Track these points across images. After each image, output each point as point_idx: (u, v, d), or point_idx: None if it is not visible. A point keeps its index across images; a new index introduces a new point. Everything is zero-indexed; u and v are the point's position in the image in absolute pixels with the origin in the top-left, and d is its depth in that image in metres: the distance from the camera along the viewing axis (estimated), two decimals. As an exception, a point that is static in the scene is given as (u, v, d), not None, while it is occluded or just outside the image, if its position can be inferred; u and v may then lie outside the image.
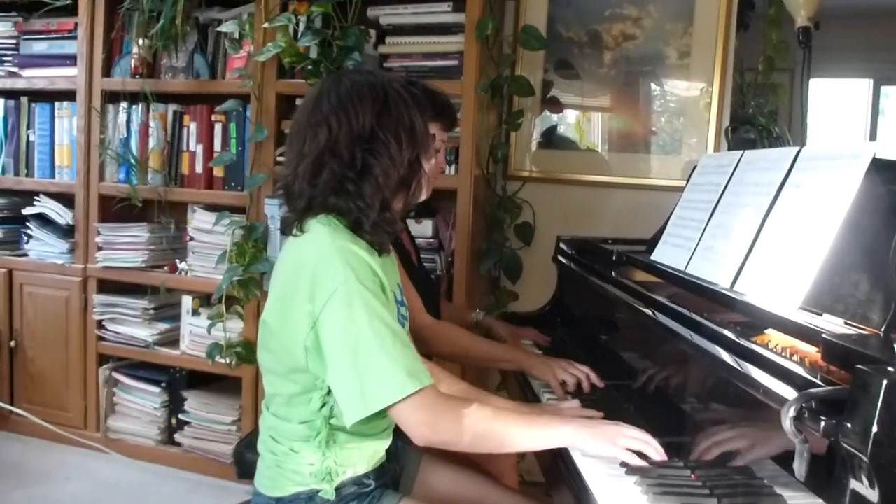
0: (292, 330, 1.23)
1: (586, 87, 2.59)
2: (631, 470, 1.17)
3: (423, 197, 1.47)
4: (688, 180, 1.69)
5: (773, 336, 1.07)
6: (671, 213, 1.68)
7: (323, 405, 1.25)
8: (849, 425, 0.73)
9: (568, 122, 2.65)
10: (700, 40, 2.41)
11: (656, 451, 1.18)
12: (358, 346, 1.16)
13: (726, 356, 1.05)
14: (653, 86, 2.52)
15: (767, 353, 0.97)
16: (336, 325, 1.18)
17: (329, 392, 1.23)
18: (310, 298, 1.20)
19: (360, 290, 1.18)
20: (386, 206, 1.29)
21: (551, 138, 2.65)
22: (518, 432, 1.22)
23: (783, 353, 0.97)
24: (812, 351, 0.95)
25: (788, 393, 0.85)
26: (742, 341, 1.03)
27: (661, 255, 1.60)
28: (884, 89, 4.65)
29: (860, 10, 3.71)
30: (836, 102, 4.76)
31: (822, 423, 0.75)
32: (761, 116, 3.07)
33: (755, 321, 1.11)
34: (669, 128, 2.51)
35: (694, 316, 1.21)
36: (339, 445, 1.28)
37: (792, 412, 0.77)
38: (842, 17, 3.25)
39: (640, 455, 1.17)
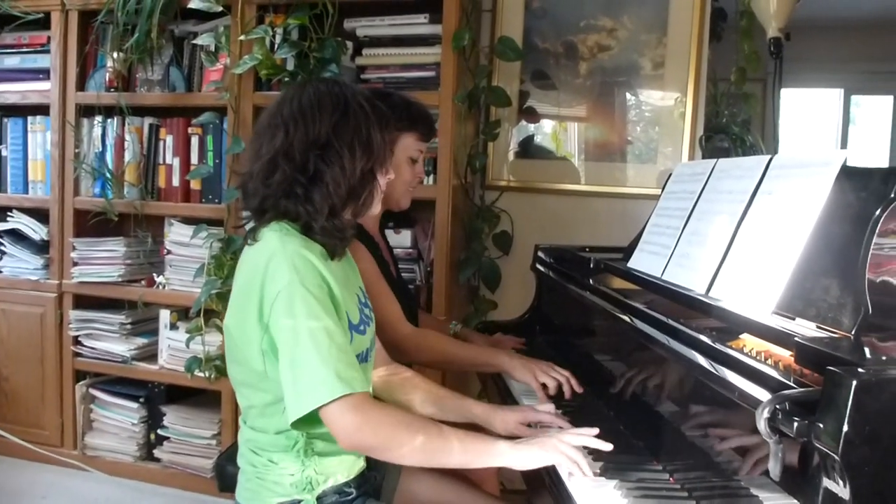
0: (249, 336, 1.25)
1: (562, 97, 2.62)
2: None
3: (375, 210, 1.46)
4: (663, 188, 1.72)
5: (748, 340, 1.08)
6: (647, 221, 1.71)
7: None
8: (821, 425, 0.75)
9: (544, 131, 2.67)
10: (674, 51, 2.44)
11: (601, 444, 1.21)
12: (295, 348, 1.18)
13: (702, 360, 1.06)
14: (628, 96, 2.56)
15: (742, 357, 0.99)
16: (278, 327, 1.20)
17: None
18: (259, 302, 1.22)
19: (304, 293, 1.20)
20: (334, 212, 1.31)
21: (528, 148, 2.67)
22: (451, 448, 1.21)
23: (758, 357, 0.99)
24: (786, 355, 0.97)
25: (763, 395, 0.87)
26: (717, 346, 1.05)
27: (637, 262, 1.62)
28: (854, 98, 4.75)
29: (831, 21, 3.79)
30: (807, 111, 4.85)
31: (796, 424, 0.76)
32: (734, 126, 3.12)
33: (730, 326, 1.13)
34: (645, 137, 2.54)
35: (670, 321, 1.23)
36: (317, 455, 1.28)
37: (766, 413, 0.79)
38: (813, 29, 3.31)
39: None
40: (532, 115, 2.65)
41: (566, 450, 1.20)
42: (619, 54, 2.52)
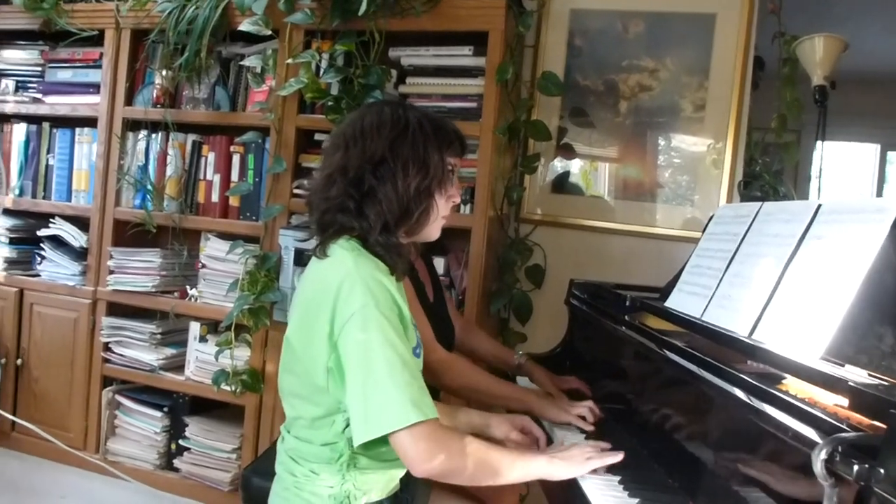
0: (314, 352, 1.25)
1: (595, 137, 2.64)
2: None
3: (434, 235, 1.48)
4: (704, 229, 1.73)
5: (791, 385, 1.08)
6: (686, 262, 1.71)
7: (346, 427, 1.26)
8: (882, 470, 0.75)
9: (579, 167, 2.69)
10: (715, 94, 2.47)
11: (615, 457, 1.36)
12: (368, 371, 1.19)
13: (752, 400, 1.06)
14: (664, 137, 2.58)
15: (791, 399, 0.99)
16: (350, 348, 1.21)
17: None
18: (330, 320, 1.23)
19: (378, 317, 1.21)
20: (388, 229, 1.33)
21: (563, 184, 2.69)
22: (506, 465, 1.28)
23: (805, 401, 0.99)
24: (832, 402, 0.97)
25: (817, 437, 0.87)
26: (766, 386, 1.05)
27: (676, 302, 1.63)
28: (890, 155, 4.67)
29: (872, 74, 3.78)
30: (843, 165, 4.77)
31: (856, 467, 0.76)
32: (767, 175, 3.13)
33: (774, 369, 1.13)
34: (676, 180, 2.55)
35: (713, 361, 1.23)
36: (358, 470, 1.29)
37: (823, 455, 0.79)
38: (853, 81, 3.31)
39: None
40: (569, 152, 2.68)
41: (593, 456, 1.33)
42: (659, 95, 2.55)
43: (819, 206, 1.28)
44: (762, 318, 1.27)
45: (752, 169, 3.01)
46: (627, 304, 1.77)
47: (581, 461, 1.33)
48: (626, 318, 1.69)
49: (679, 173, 2.55)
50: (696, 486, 1.26)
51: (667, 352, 1.42)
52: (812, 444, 0.83)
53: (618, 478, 1.34)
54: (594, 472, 1.34)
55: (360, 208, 1.31)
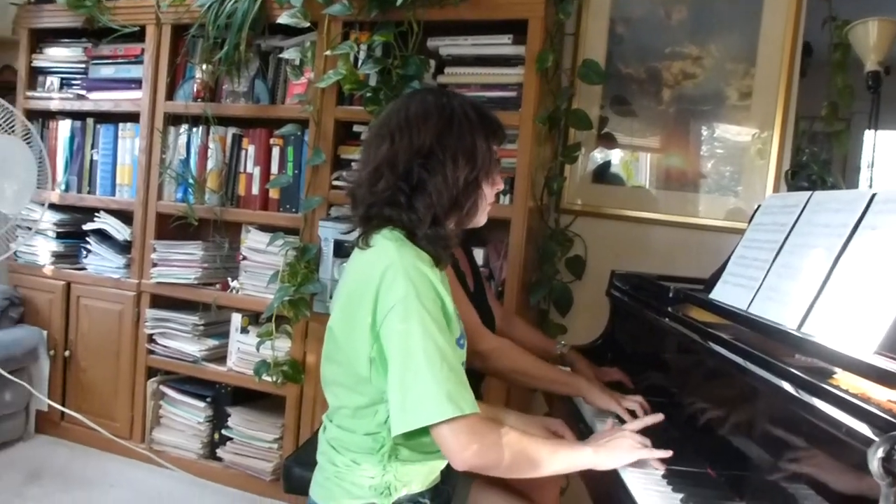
0: (357, 342, 1.25)
1: (636, 126, 2.59)
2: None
3: (481, 221, 1.48)
4: (751, 220, 1.68)
5: (843, 380, 1.05)
6: (731, 253, 1.67)
7: (388, 417, 1.26)
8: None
9: (619, 157, 2.65)
10: (762, 81, 2.40)
11: (663, 452, 1.34)
12: (407, 363, 1.18)
13: (802, 395, 1.03)
14: (708, 126, 2.52)
15: (844, 395, 0.95)
16: (391, 338, 1.20)
17: None
18: (373, 311, 1.23)
19: (419, 308, 1.20)
20: (438, 221, 1.32)
21: (604, 174, 2.65)
22: (547, 457, 1.28)
23: (857, 397, 0.96)
24: (885, 398, 0.93)
25: (873, 434, 0.84)
26: (815, 380, 1.02)
27: (721, 293, 1.59)
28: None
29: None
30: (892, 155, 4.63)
31: (915, 467, 0.73)
32: (814, 165, 3.04)
33: (824, 364, 1.09)
34: (721, 168, 2.50)
35: (761, 354, 1.19)
36: (399, 461, 1.29)
37: (881, 453, 0.76)
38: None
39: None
40: (610, 141, 2.64)
41: (641, 448, 1.32)
42: (704, 83, 2.49)
43: (874, 195, 1.23)
44: (812, 311, 1.23)
45: (799, 159, 2.93)
46: (671, 295, 1.73)
47: (627, 452, 1.32)
48: (670, 309, 1.66)
49: (722, 163, 2.49)
50: (742, 482, 1.23)
51: (712, 344, 1.38)
52: (867, 442, 0.80)
53: (661, 472, 1.32)
54: (635, 464, 1.32)
55: (410, 202, 1.30)
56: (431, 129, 1.31)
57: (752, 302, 1.44)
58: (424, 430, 1.20)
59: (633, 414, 1.61)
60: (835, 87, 2.33)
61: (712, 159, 2.51)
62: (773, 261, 1.44)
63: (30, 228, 2.85)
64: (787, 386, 1.09)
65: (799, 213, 1.44)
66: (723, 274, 1.64)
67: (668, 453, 1.33)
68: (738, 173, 2.47)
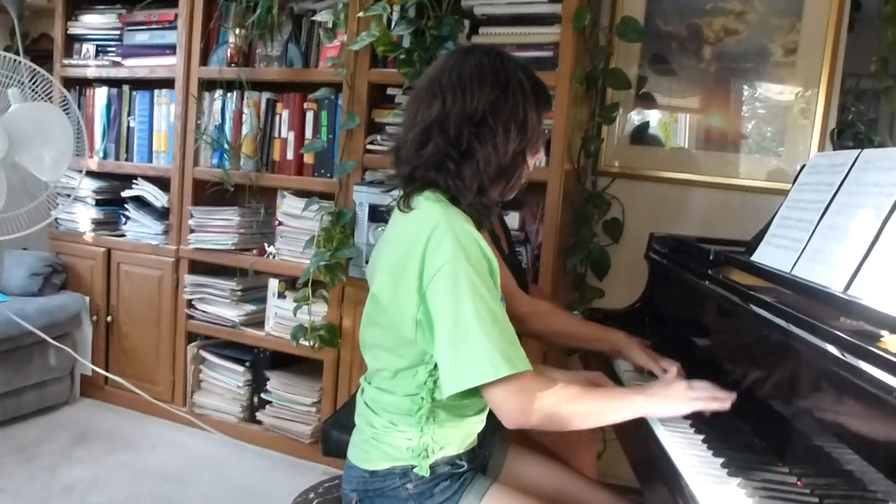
0: (402, 304, 1.24)
1: (675, 86, 2.53)
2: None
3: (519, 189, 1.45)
4: (795, 180, 1.63)
5: (891, 343, 1.01)
6: (774, 214, 1.63)
7: (427, 378, 1.26)
8: None
9: (658, 118, 2.59)
10: (808, 37, 2.32)
11: (723, 403, 1.28)
12: (457, 324, 1.17)
13: (849, 357, 1.00)
14: (750, 85, 2.45)
15: (892, 358, 0.92)
16: (439, 300, 1.19)
17: (436, 367, 1.24)
18: (419, 272, 1.21)
19: (468, 269, 1.18)
20: (483, 191, 1.29)
21: (643, 134, 2.60)
22: (602, 408, 1.26)
23: (909, 360, 0.92)
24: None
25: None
26: (863, 343, 0.99)
27: (763, 256, 1.55)
28: None
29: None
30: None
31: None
32: (860, 123, 2.94)
33: (872, 327, 1.06)
34: (763, 129, 2.43)
35: (805, 316, 1.16)
36: (437, 424, 1.29)
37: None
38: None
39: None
40: (649, 101, 2.58)
41: (700, 394, 1.28)
42: (746, 39, 2.41)
43: (927, 151, 1.18)
44: (859, 273, 1.19)
45: (845, 117, 2.84)
46: (711, 258, 1.70)
47: (685, 399, 1.28)
48: (710, 272, 1.63)
49: (764, 123, 2.43)
50: (784, 447, 1.21)
51: (754, 307, 1.35)
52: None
53: (701, 436, 1.30)
54: (674, 429, 1.29)
55: (458, 169, 1.28)
56: (486, 95, 1.27)
57: (796, 264, 1.40)
58: (464, 393, 1.19)
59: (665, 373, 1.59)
60: (884, 42, 2.24)
61: (754, 119, 2.45)
62: (819, 221, 1.39)
63: (69, 196, 2.88)
64: (833, 349, 1.06)
65: (846, 173, 1.39)
66: (765, 235, 1.60)
67: (727, 404, 1.29)
68: (780, 133, 2.41)
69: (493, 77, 1.29)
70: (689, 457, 1.21)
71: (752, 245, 1.64)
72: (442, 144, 1.27)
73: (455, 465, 1.32)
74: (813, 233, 1.39)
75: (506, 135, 1.28)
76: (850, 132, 2.58)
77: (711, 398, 1.29)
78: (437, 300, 1.19)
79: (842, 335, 1.05)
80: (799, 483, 1.12)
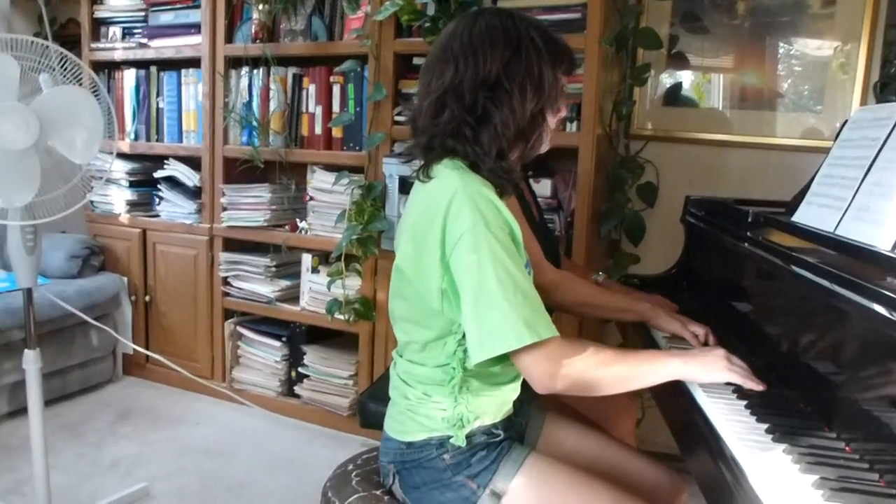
0: (427, 275, 1.23)
1: (714, 41, 2.46)
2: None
3: (544, 149, 1.42)
4: (837, 136, 1.58)
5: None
6: (815, 173, 1.57)
7: (457, 347, 1.25)
8: None
9: (691, 79, 2.52)
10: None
11: (757, 385, 1.25)
12: (480, 292, 1.16)
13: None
14: (786, 41, 2.37)
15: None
16: (462, 268, 1.18)
17: (464, 336, 1.23)
18: (441, 242, 1.20)
19: (488, 236, 1.17)
20: (502, 154, 1.28)
21: (676, 95, 2.54)
22: (635, 371, 1.24)
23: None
24: None
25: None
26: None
27: (804, 216, 1.50)
28: None
29: None
30: None
31: None
32: (903, 78, 2.84)
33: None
34: (800, 85, 2.35)
35: (850, 277, 1.12)
36: (471, 393, 1.28)
37: None
38: None
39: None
40: (681, 61, 2.51)
41: (737, 368, 1.26)
42: (783, -9, 2.33)
43: (978, 100, 1.13)
44: (908, 230, 1.15)
45: (889, 71, 2.74)
46: (750, 219, 1.65)
47: (720, 368, 1.26)
48: (749, 234, 1.58)
49: (801, 80, 2.35)
50: (831, 412, 1.18)
51: (796, 268, 1.31)
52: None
53: (744, 402, 1.27)
54: (717, 395, 1.27)
55: (476, 135, 1.26)
56: (498, 57, 1.25)
57: (839, 223, 1.35)
58: (494, 361, 1.19)
59: (696, 337, 1.57)
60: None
61: (790, 76, 2.37)
62: (864, 178, 1.34)
63: (101, 178, 2.91)
64: (880, 309, 1.02)
65: (893, 126, 1.33)
66: (806, 195, 1.55)
67: (761, 386, 1.27)
68: (818, 90, 2.33)
69: (505, 37, 1.26)
70: (732, 423, 1.18)
71: (793, 205, 1.60)
72: (457, 111, 1.25)
73: (491, 435, 1.31)
74: (857, 190, 1.35)
75: (522, 95, 1.25)
76: (894, 86, 2.49)
77: (747, 376, 1.27)
78: (460, 269, 1.18)
79: (890, 294, 1.01)
80: (847, 448, 1.09)
